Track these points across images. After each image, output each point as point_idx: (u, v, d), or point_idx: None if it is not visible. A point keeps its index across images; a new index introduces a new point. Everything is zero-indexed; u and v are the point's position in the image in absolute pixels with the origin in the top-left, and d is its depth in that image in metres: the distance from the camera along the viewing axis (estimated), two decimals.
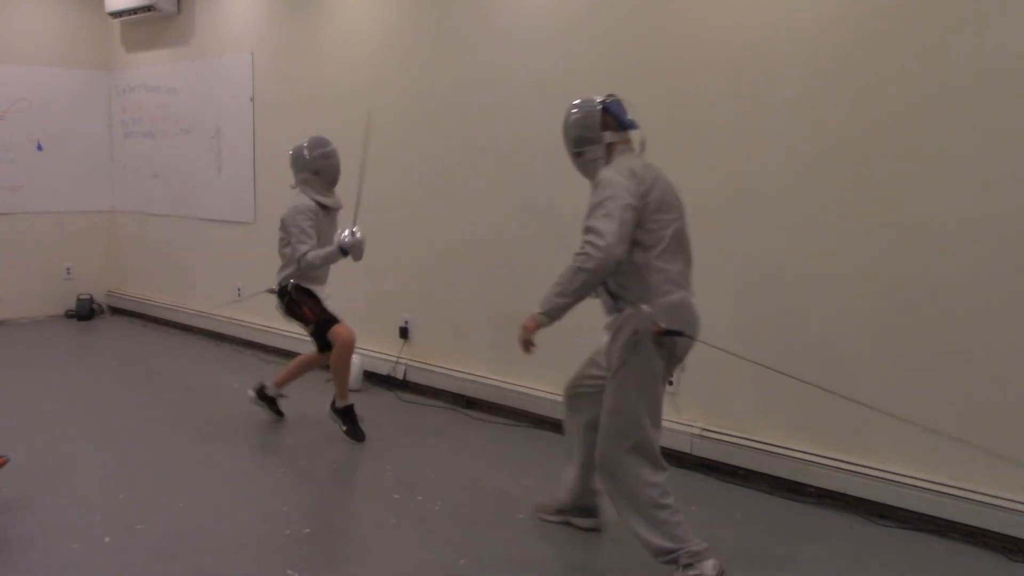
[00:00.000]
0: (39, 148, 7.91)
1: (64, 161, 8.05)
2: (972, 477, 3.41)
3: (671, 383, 3.34)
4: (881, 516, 3.59)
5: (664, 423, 4.24)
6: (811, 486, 3.82)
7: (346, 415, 4.60)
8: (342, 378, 4.56)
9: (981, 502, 3.35)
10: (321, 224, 4.52)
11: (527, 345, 3.08)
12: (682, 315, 3.02)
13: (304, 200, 4.49)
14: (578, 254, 2.91)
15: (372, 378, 5.74)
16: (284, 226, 4.51)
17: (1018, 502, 3.29)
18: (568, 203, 4.72)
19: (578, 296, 2.95)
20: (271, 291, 4.67)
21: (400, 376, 5.62)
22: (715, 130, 4.08)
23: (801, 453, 3.85)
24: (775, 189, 3.91)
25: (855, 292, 3.69)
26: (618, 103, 3.15)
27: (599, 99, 3.15)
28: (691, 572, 2.93)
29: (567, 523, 3.54)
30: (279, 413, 4.91)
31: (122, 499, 3.79)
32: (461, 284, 5.36)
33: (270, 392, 4.84)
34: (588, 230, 2.92)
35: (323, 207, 4.52)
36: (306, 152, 4.54)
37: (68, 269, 8.21)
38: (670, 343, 3.00)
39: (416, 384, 5.57)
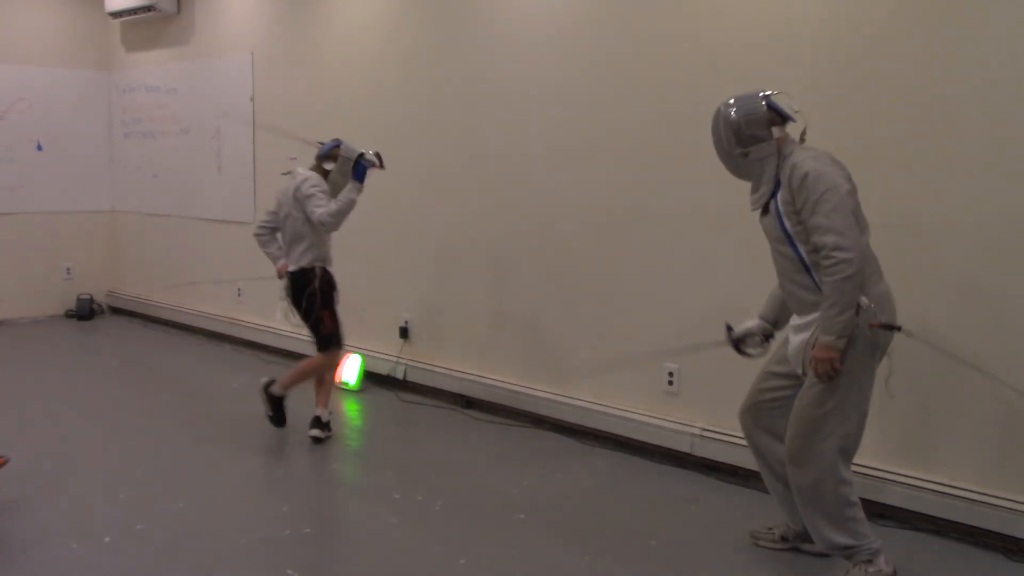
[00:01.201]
0: (39, 148, 7.91)
1: (64, 161, 8.05)
2: (972, 477, 3.41)
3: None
4: (881, 516, 3.58)
5: (664, 423, 4.31)
6: None
7: (277, 403, 4.58)
8: (302, 378, 4.55)
9: (981, 502, 3.34)
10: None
11: (834, 375, 2.84)
12: (891, 305, 2.92)
13: (316, 175, 4.45)
14: (831, 265, 2.73)
15: (372, 378, 5.73)
16: (300, 200, 4.38)
17: (1018, 502, 3.29)
18: (568, 203, 4.73)
19: (855, 302, 2.77)
20: (290, 273, 4.48)
21: (400, 376, 5.62)
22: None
23: None
24: None
25: None
26: (775, 97, 2.96)
27: (760, 94, 2.94)
28: (871, 568, 2.91)
29: (795, 549, 3.33)
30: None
31: (122, 499, 3.79)
32: (461, 284, 5.36)
33: (324, 418, 4.63)
34: (824, 230, 2.74)
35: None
36: (364, 155, 4.47)
37: (68, 269, 8.21)
38: (885, 336, 2.88)
39: (416, 384, 5.57)
